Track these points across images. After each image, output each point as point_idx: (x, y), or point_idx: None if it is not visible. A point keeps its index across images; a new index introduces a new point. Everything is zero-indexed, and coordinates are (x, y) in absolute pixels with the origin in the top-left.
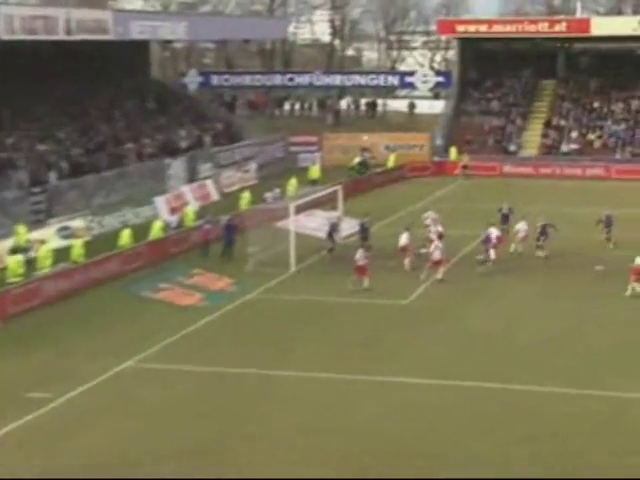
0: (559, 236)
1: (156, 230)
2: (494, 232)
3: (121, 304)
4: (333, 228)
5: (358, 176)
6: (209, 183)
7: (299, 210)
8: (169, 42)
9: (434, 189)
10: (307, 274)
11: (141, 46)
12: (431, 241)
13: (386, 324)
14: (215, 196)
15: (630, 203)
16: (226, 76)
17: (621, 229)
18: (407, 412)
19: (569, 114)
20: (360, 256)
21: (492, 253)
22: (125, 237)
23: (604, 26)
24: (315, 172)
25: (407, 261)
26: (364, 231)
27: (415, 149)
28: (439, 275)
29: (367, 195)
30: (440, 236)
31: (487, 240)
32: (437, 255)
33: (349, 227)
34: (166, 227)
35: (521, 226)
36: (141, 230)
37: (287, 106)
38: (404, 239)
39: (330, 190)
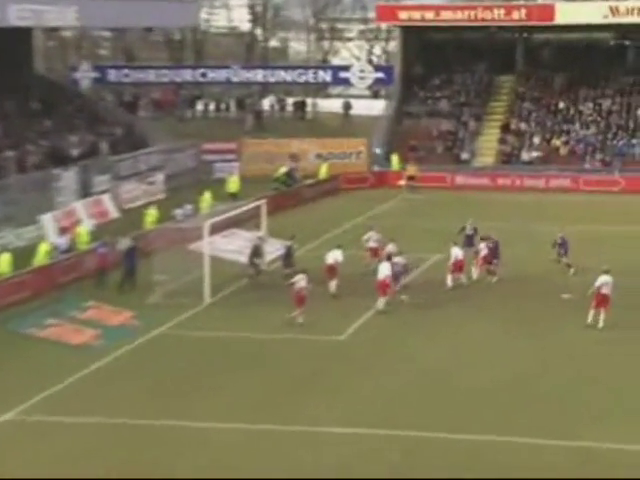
0: (520, 258)
1: (42, 255)
2: (459, 254)
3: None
4: (256, 251)
5: (284, 189)
6: (106, 198)
7: (215, 230)
8: (56, 30)
9: (374, 204)
10: (225, 306)
11: (22, 35)
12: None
13: (318, 365)
14: (114, 213)
15: (601, 219)
16: (126, 70)
17: (592, 250)
18: (342, 470)
19: (530, 116)
20: (302, 283)
21: (449, 279)
22: (4, 263)
23: (570, 13)
24: (234, 184)
25: (333, 284)
26: (288, 256)
27: (351, 157)
28: (380, 305)
29: (295, 211)
30: (389, 257)
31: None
32: (382, 276)
33: (275, 250)
34: (54, 251)
35: (482, 247)
36: (24, 255)
37: (200, 106)
38: (332, 257)
39: (252, 206)
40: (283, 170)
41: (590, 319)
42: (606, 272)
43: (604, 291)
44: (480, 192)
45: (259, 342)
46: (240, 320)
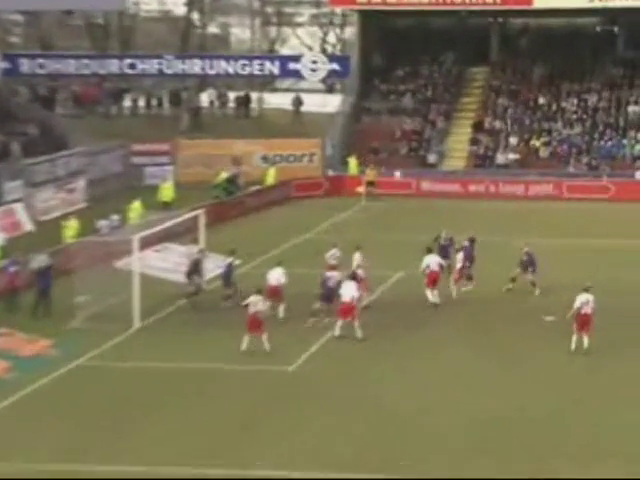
0: (496, 275)
1: None
2: (433, 264)
3: None
4: (195, 267)
5: (225, 197)
6: (19, 208)
7: (146, 244)
8: None
9: (329, 214)
10: (156, 332)
11: None
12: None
13: (262, 400)
14: (27, 226)
15: (588, 231)
16: (41, 60)
17: (577, 266)
18: None
19: (506, 113)
20: (260, 306)
21: (429, 294)
22: None
23: None
24: (167, 192)
25: (281, 308)
26: (228, 274)
27: (302, 160)
28: (336, 331)
29: (238, 223)
30: (354, 276)
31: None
32: (347, 298)
33: (215, 267)
34: None
35: (459, 258)
36: None
37: (127, 102)
38: (275, 277)
39: (188, 216)
40: (224, 176)
41: (574, 345)
42: (586, 290)
43: (585, 311)
44: (450, 200)
45: (194, 374)
46: (173, 348)
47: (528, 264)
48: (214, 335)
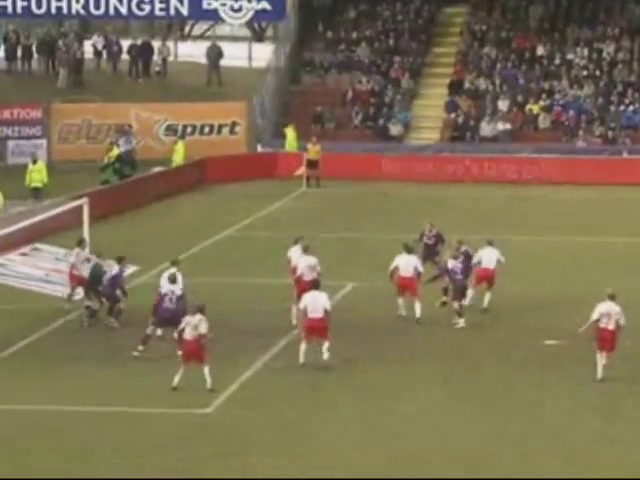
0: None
1: None
2: (407, 266)
3: None
4: (98, 274)
5: (116, 181)
6: None
7: (8, 245)
8: None
9: (257, 204)
10: (23, 364)
11: None
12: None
13: (171, 455)
14: None
15: (600, 226)
16: None
17: (588, 274)
18: None
19: (494, 69)
20: (202, 328)
21: (400, 303)
22: None
23: None
24: (37, 175)
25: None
26: (112, 286)
27: (222, 132)
28: (301, 358)
29: (136, 216)
30: (316, 284)
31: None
32: (318, 314)
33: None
34: None
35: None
36: None
37: None
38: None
39: (66, 207)
40: (116, 152)
41: (600, 373)
42: (611, 298)
43: (605, 325)
44: (418, 185)
45: (70, 417)
46: (44, 385)
47: (462, 266)
48: (97, 366)
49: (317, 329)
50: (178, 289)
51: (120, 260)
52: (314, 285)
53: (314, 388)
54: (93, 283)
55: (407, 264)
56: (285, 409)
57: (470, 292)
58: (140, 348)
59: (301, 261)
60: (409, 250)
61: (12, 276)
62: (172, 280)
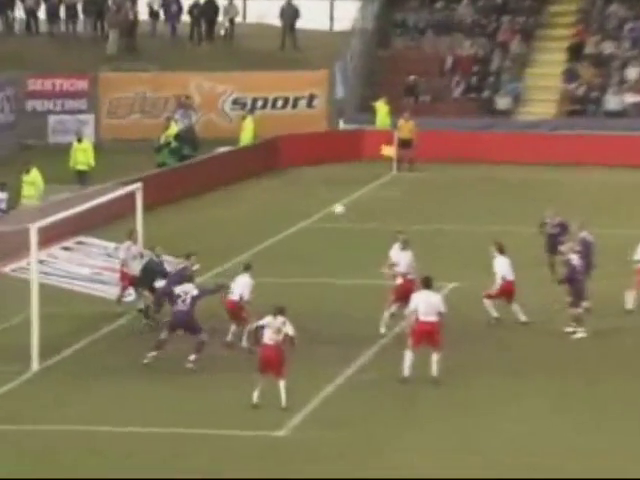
0: (603, 285)
1: None
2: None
3: None
4: (151, 274)
5: (175, 163)
6: None
7: (50, 237)
8: None
9: (339, 192)
10: (69, 376)
11: None
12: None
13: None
14: None
15: None
16: None
17: None
18: None
19: (621, 30)
20: (279, 329)
21: (516, 308)
22: None
23: None
24: (83, 155)
25: (234, 328)
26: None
27: (298, 106)
28: (405, 372)
29: (197, 204)
30: (427, 283)
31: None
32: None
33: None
34: None
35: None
36: None
37: (20, 13)
38: (239, 288)
39: (116, 194)
40: (174, 130)
41: None
42: None
43: None
44: (530, 167)
45: (122, 439)
46: (91, 400)
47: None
48: (153, 382)
49: (429, 335)
50: (194, 289)
51: (188, 256)
52: (425, 284)
53: (405, 406)
54: (145, 281)
55: (508, 267)
56: (371, 432)
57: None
58: (152, 354)
59: (402, 257)
60: (502, 250)
61: (54, 274)
62: (189, 278)
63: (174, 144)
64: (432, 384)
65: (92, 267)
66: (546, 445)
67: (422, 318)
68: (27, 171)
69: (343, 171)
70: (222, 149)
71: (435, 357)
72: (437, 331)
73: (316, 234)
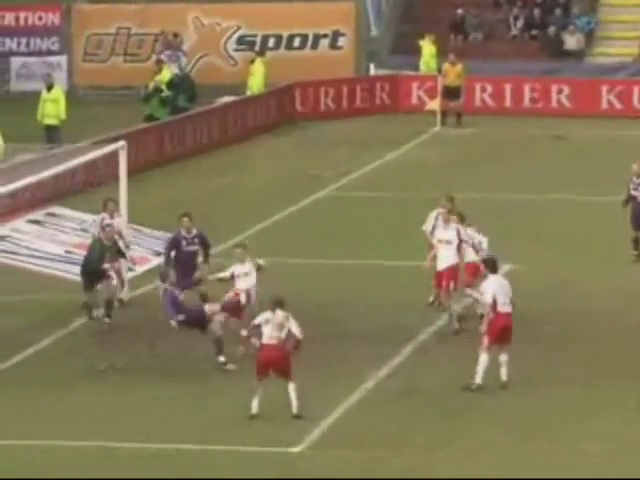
0: None
1: None
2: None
3: None
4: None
5: (166, 116)
6: None
7: (13, 208)
8: None
9: (370, 152)
10: (26, 379)
11: None
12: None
13: None
14: None
15: None
16: None
17: None
18: None
19: None
20: (281, 325)
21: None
22: None
23: None
24: (53, 107)
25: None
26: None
27: (319, 46)
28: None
29: (191, 167)
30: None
31: None
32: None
33: (147, 249)
34: None
35: None
36: None
37: None
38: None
39: (95, 153)
40: (166, 75)
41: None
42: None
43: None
44: (606, 121)
45: (117, 456)
46: (59, 410)
47: None
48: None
49: (508, 331)
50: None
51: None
52: (492, 266)
53: (449, 421)
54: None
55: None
56: (405, 452)
57: None
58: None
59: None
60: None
61: (18, 253)
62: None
63: (166, 93)
64: (500, 389)
65: (64, 244)
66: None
67: (502, 309)
68: None
69: (374, 127)
70: (225, 99)
71: (505, 357)
72: (512, 325)
73: (338, 205)
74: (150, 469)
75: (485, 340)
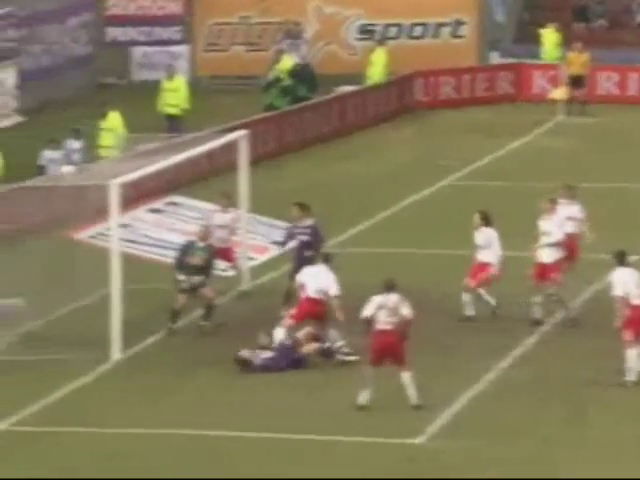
0: None
1: None
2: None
3: None
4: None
5: (286, 105)
6: None
7: (134, 197)
8: None
9: (492, 141)
10: (158, 367)
11: None
12: None
13: None
14: None
15: None
16: None
17: None
18: None
19: None
20: (395, 309)
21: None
22: None
23: None
24: (175, 96)
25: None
26: (311, 244)
27: (441, 34)
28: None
29: (313, 157)
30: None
31: None
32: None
33: (266, 239)
34: None
35: None
36: None
37: None
38: (314, 281)
39: (217, 143)
40: (287, 64)
41: None
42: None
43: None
44: None
45: (234, 443)
46: (179, 399)
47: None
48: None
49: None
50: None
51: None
52: (621, 259)
53: (574, 413)
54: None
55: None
56: (528, 442)
57: None
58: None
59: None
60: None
61: (140, 242)
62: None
63: (287, 82)
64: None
65: (185, 234)
66: None
67: (636, 302)
68: (104, 115)
69: (497, 115)
70: (345, 88)
71: (636, 351)
72: None
73: (460, 194)
74: (275, 459)
75: (627, 335)
